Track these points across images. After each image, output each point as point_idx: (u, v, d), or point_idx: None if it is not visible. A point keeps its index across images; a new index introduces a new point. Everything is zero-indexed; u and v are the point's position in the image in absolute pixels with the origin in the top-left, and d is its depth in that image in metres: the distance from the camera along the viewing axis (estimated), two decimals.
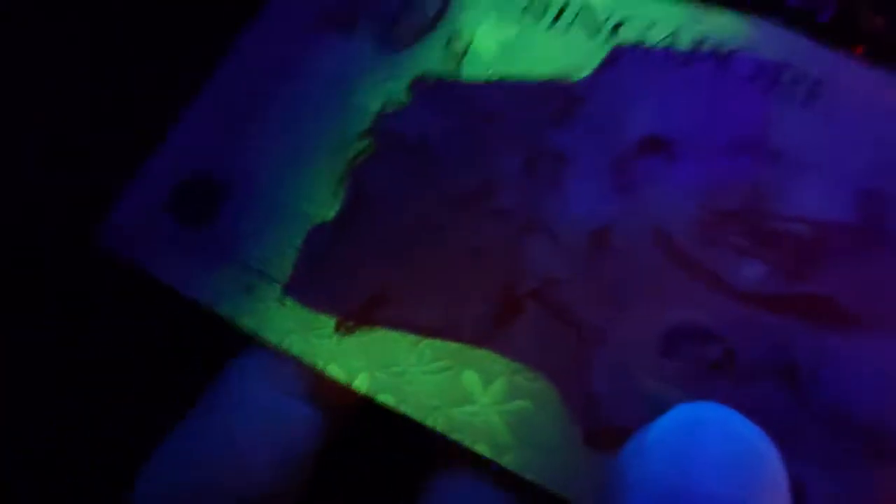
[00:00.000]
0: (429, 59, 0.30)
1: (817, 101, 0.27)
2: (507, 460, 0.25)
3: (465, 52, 0.29)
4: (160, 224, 0.30)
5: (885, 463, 0.24)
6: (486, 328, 0.26)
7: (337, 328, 0.26)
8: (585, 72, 0.29)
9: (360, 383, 0.26)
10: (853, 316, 0.24)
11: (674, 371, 0.24)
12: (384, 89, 0.30)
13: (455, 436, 0.25)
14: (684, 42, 0.29)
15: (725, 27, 0.28)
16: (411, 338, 0.26)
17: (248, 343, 0.28)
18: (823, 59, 0.28)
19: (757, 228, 0.25)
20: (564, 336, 0.25)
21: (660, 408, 0.24)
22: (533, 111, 0.28)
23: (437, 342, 0.26)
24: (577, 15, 0.30)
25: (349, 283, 0.27)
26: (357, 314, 0.26)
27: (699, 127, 0.27)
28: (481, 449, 0.25)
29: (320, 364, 0.26)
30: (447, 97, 0.29)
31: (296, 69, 0.31)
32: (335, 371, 0.26)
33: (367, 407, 0.27)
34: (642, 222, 0.26)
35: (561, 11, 0.30)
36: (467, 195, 0.27)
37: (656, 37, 0.29)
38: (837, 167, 0.26)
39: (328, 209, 0.27)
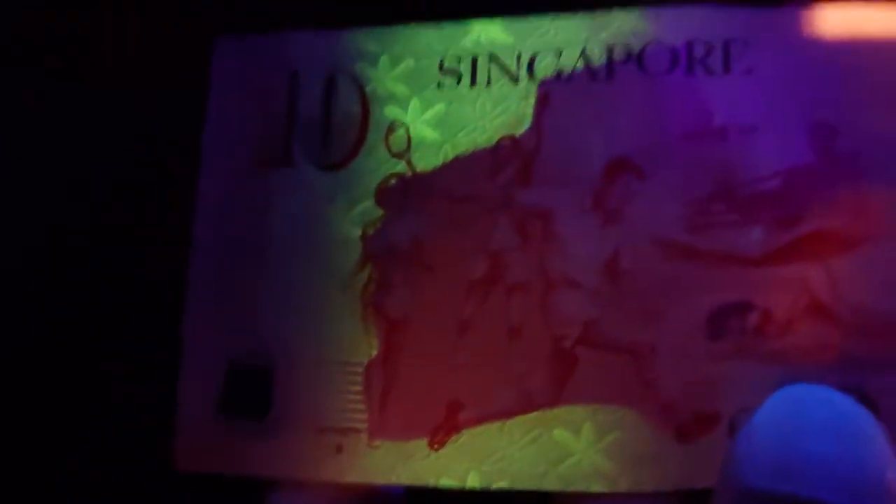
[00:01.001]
0: (378, 164, 0.32)
1: (734, 64, 0.30)
2: (622, 486, 0.28)
3: (409, 146, 0.31)
4: (223, 427, 0.31)
5: None
6: (554, 388, 0.28)
7: (430, 446, 0.29)
8: (525, 122, 0.31)
9: (473, 482, 0.28)
10: (849, 238, 0.27)
11: (726, 350, 0.27)
12: (355, 213, 0.32)
13: (572, 488, 0.28)
14: (596, 56, 0.31)
15: (625, 28, 0.31)
16: (496, 425, 0.28)
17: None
18: (723, 22, 0.31)
19: (738, 199, 0.28)
20: (621, 364, 0.28)
21: (725, 383, 0.27)
22: (497, 179, 0.31)
23: (520, 418, 0.28)
24: (489, 67, 0.32)
25: (424, 403, 0.29)
26: (443, 427, 0.29)
27: (649, 136, 0.29)
28: (598, 487, 0.28)
29: (432, 482, 0.29)
30: (416, 194, 0.31)
31: (260, 217, 0.33)
32: (447, 482, 0.29)
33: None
34: (641, 238, 0.29)
35: (474, 69, 0.32)
36: (480, 282, 0.29)
37: (570, 61, 0.31)
38: (778, 118, 0.29)
39: (368, 348, 0.30)
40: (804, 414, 0.23)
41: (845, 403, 0.23)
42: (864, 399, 0.27)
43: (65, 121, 0.37)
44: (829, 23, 0.29)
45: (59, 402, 0.36)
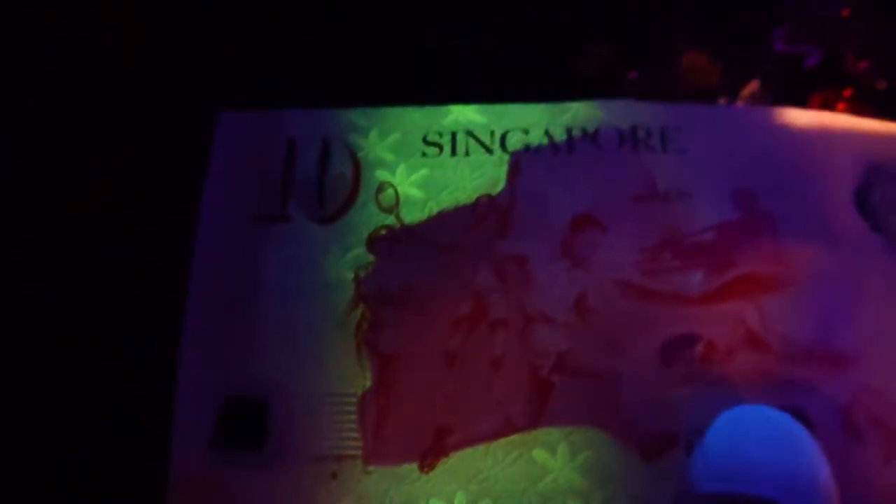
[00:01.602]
0: (369, 218, 0.36)
1: (670, 144, 0.36)
2: (594, 502, 0.31)
3: (397, 203, 0.36)
4: (217, 459, 0.32)
5: (847, 368, 0.32)
6: (533, 412, 0.32)
7: (421, 469, 0.31)
8: (500, 184, 0.36)
9: (460, 501, 0.31)
10: (774, 281, 0.33)
11: (679, 375, 0.31)
12: (348, 258, 0.35)
13: None
14: (558, 135, 0.37)
15: (581, 114, 0.37)
16: (481, 448, 0.31)
17: None
18: (659, 113, 0.37)
19: (681, 248, 0.34)
20: (591, 388, 0.32)
21: (682, 406, 0.31)
22: (477, 232, 0.35)
23: (502, 440, 0.31)
24: (467, 141, 0.37)
25: (414, 430, 0.32)
26: (432, 451, 0.31)
27: (607, 197, 0.35)
28: (573, 503, 0.30)
29: (422, 503, 0.30)
30: (405, 243, 0.35)
31: (257, 264, 0.36)
32: (436, 503, 0.31)
33: None
34: (603, 280, 0.34)
35: (453, 142, 0.37)
36: (465, 318, 0.33)
37: (536, 137, 0.37)
38: (708, 185, 0.35)
39: (362, 380, 0.32)
40: (747, 428, 0.27)
41: (782, 419, 0.27)
42: (801, 417, 0.31)
43: (65, 120, 0.38)
44: (748, 117, 0.37)
45: (59, 402, 0.35)
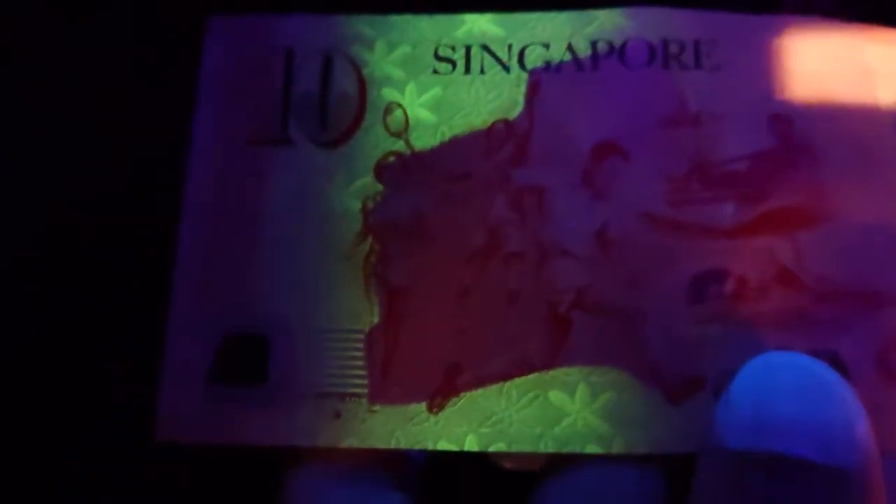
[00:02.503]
0: (376, 142, 0.33)
1: (704, 60, 0.33)
2: (616, 447, 0.29)
3: (406, 126, 0.33)
4: (214, 396, 0.30)
5: (884, 307, 0.30)
6: (550, 351, 0.29)
7: (430, 409, 0.29)
8: (518, 107, 0.33)
9: (471, 444, 0.29)
10: (811, 215, 0.30)
11: (707, 313, 0.29)
12: (355, 188, 0.33)
13: (567, 449, 0.28)
14: (582, 48, 0.33)
15: (608, 24, 0.33)
16: (494, 387, 0.29)
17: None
18: (693, 24, 0.34)
19: (711, 178, 0.31)
20: (613, 327, 0.30)
21: (709, 346, 0.29)
22: (493, 159, 0.32)
23: (517, 380, 0.29)
24: (482, 56, 0.34)
25: (424, 367, 0.29)
26: (441, 390, 0.29)
27: (632, 122, 0.32)
28: (592, 449, 0.29)
29: (430, 445, 0.28)
30: (416, 171, 0.32)
31: (255, 193, 0.33)
32: (445, 445, 0.29)
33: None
34: (626, 212, 0.31)
35: (468, 58, 0.34)
36: (479, 252, 0.30)
37: (557, 54, 0.33)
38: (744, 108, 0.32)
39: (370, 316, 0.30)
40: (775, 378, 0.25)
41: (814, 367, 0.25)
42: (835, 362, 0.29)
43: (65, 120, 0.36)
44: (787, 32, 0.33)
45: (59, 402, 0.34)
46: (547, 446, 0.28)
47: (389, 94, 0.33)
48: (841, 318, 0.29)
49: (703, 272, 0.30)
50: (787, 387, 0.24)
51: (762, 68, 0.32)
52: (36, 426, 0.33)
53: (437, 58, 0.33)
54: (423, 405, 0.29)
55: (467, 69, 0.33)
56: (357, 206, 0.31)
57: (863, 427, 0.24)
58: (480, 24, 0.33)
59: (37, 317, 0.35)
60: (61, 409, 0.33)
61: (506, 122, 0.32)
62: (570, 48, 0.32)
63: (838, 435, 0.23)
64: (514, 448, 0.29)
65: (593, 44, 0.32)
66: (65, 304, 0.35)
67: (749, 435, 0.24)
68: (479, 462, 0.29)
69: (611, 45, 0.32)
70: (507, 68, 0.32)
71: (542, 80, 0.32)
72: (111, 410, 0.33)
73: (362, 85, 0.33)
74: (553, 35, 0.33)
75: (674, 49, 0.32)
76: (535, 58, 0.32)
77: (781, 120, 0.31)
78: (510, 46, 0.33)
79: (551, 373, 0.29)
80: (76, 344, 0.34)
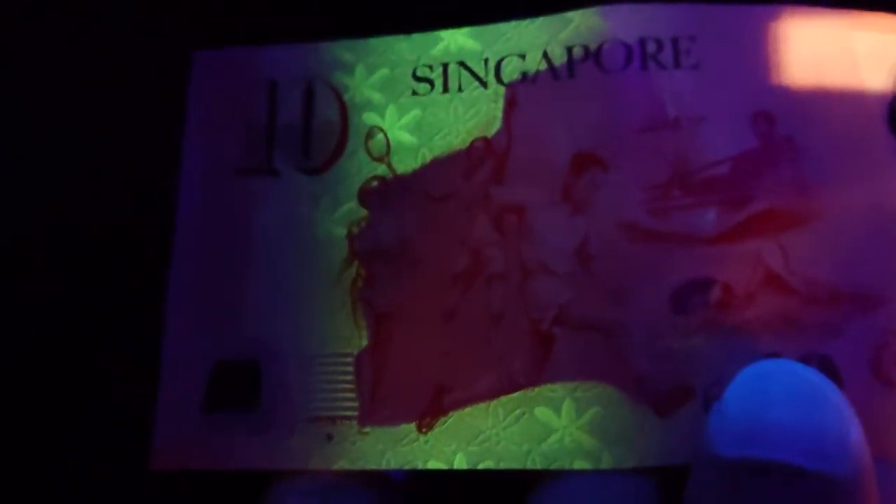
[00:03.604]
0: (359, 168, 0.34)
1: (683, 59, 0.32)
2: (604, 462, 0.29)
3: (388, 150, 0.33)
4: (208, 425, 0.31)
5: (876, 309, 0.29)
6: (534, 368, 0.30)
7: (419, 429, 0.29)
8: (496, 124, 0.33)
9: (460, 463, 0.29)
10: (797, 215, 0.30)
11: (693, 324, 0.29)
12: (340, 214, 0.33)
13: (555, 465, 0.29)
14: (558, 56, 0.33)
15: (583, 26, 0.33)
16: (481, 406, 0.29)
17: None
18: (670, 19, 0.33)
19: (692, 184, 0.30)
20: (596, 342, 0.29)
21: (696, 357, 0.29)
22: (473, 178, 0.32)
23: (503, 398, 0.29)
24: (459, 73, 0.34)
25: (412, 388, 0.30)
26: (430, 410, 0.30)
27: (610, 130, 0.31)
28: (580, 465, 0.29)
29: (420, 465, 0.29)
30: (398, 195, 0.33)
31: (244, 222, 0.33)
32: (435, 464, 0.29)
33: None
34: (607, 224, 0.31)
35: (445, 76, 0.34)
36: (463, 274, 0.31)
37: (533, 63, 0.33)
38: (724, 107, 0.31)
39: (358, 339, 0.31)
40: (768, 386, 0.25)
41: (807, 374, 0.25)
42: (828, 367, 0.28)
43: (65, 120, 0.37)
44: (768, 22, 0.32)
45: (59, 402, 0.35)
46: (535, 463, 0.29)
47: (370, 118, 0.33)
48: (832, 322, 0.28)
49: (686, 282, 0.29)
50: (779, 395, 0.24)
51: (743, 63, 0.31)
52: (36, 426, 0.34)
53: (416, 78, 0.33)
54: (413, 425, 0.30)
55: (445, 88, 0.33)
56: (343, 232, 0.32)
57: (856, 434, 0.24)
58: (457, 40, 0.33)
59: (37, 317, 0.35)
60: (61, 409, 0.35)
61: (485, 139, 0.32)
62: (545, 56, 0.32)
63: (831, 442, 0.23)
64: (503, 465, 0.29)
65: (569, 49, 0.32)
66: (65, 304, 0.36)
67: (742, 443, 0.24)
68: (464, 476, 0.29)
69: (586, 50, 0.32)
70: (484, 83, 0.32)
71: (518, 94, 0.32)
72: (111, 411, 0.34)
73: (344, 111, 0.34)
74: (529, 44, 0.32)
75: (651, 48, 0.31)
76: (511, 70, 0.32)
77: (763, 118, 0.30)
78: (486, 60, 0.33)
79: (536, 390, 0.29)
80: (76, 344, 0.35)
